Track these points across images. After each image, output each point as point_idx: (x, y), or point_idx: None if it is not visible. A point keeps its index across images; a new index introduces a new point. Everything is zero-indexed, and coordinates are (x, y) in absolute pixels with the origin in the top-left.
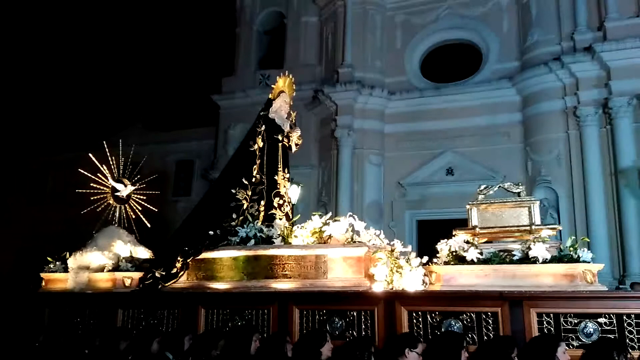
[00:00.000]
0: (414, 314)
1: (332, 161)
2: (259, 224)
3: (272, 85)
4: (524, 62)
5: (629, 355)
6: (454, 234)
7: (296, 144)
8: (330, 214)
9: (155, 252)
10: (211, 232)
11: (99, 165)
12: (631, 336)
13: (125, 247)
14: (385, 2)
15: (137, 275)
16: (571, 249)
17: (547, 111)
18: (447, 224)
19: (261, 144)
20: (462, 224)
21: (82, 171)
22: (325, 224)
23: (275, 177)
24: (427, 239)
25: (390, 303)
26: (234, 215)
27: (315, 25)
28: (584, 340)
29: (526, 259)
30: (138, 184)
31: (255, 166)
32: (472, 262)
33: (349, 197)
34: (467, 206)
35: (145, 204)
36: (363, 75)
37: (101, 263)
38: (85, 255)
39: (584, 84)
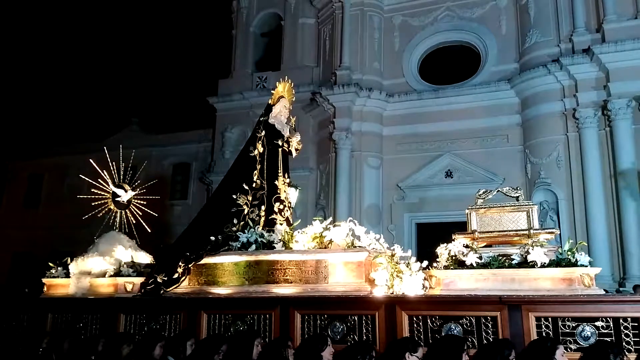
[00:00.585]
0: (415, 318)
1: (330, 164)
2: (260, 229)
3: (272, 90)
4: (523, 64)
5: (625, 358)
6: (453, 238)
7: (296, 149)
8: (330, 218)
9: (155, 257)
10: (212, 238)
11: (100, 171)
12: (627, 339)
13: (127, 252)
14: (383, 3)
15: (138, 280)
16: (569, 253)
17: (546, 113)
18: (446, 227)
19: (261, 150)
20: (461, 226)
21: (83, 177)
22: (326, 229)
23: (276, 182)
24: (426, 241)
25: (390, 307)
26: (235, 221)
27: (312, 27)
28: (581, 343)
29: (525, 263)
30: (138, 189)
31: (255, 171)
32: (471, 267)
33: (347, 200)
34: (466, 210)
35: (146, 209)
36: (361, 77)
37: (102, 268)
38: (87, 260)
39: (582, 85)
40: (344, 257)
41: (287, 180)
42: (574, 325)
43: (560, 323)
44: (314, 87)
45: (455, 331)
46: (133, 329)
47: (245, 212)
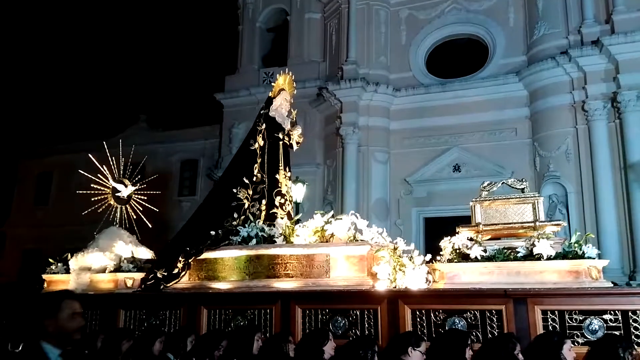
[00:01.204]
0: (418, 313)
1: (338, 159)
2: (261, 223)
3: (273, 84)
4: (531, 56)
5: (634, 352)
6: (457, 231)
7: (297, 142)
8: (332, 212)
9: (158, 253)
10: (213, 232)
11: (100, 166)
12: (637, 332)
13: (127, 247)
14: None
15: (138, 275)
16: (576, 245)
17: (555, 106)
18: (455, 221)
19: (262, 143)
20: (469, 221)
21: (82, 172)
22: (328, 222)
23: (277, 176)
24: (434, 236)
25: (393, 302)
26: (236, 215)
27: (318, 21)
28: (589, 337)
29: (530, 256)
30: (139, 184)
31: (256, 165)
32: (475, 260)
33: (354, 195)
34: (471, 203)
35: (147, 204)
36: (367, 71)
37: (103, 264)
38: (87, 256)
39: (592, 77)
40: (346, 250)
41: (288, 174)
42: (581, 318)
43: (567, 316)
44: (320, 82)
45: (459, 325)
46: (133, 324)
47: (246, 206)
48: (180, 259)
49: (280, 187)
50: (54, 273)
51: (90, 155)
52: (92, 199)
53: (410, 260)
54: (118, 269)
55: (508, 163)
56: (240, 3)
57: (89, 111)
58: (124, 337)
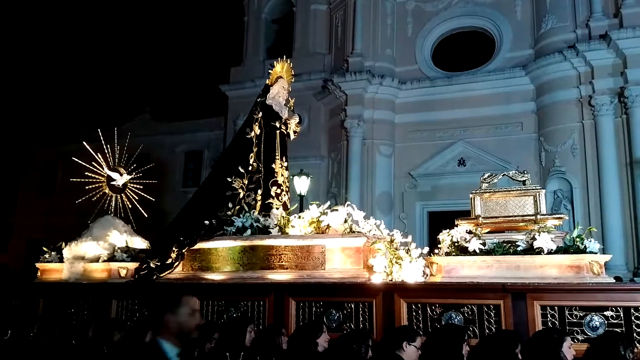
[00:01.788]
0: (414, 306)
1: (342, 152)
2: (256, 213)
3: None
4: (538, 50)
5: (636, 350)
6: (456, 224)
7: (295, 132)
8: (328, 203)
9: (152, 242)
10: (207, 222)
11: (94, 154)
12: (639, 330)
13: (121, 237)
14: None
15: (132, 265)
16: (577, 239)
17: (562, 100)
18: (458, 216)
19: (258, 132)
20: None
21: (77, 161)
22: (323, 213)
23: (273, 166)
24: (438, 230)
25: (389, 295)
26: (230, 205)
27: (324, 13)
28: (589, 334)
29: (531, 250)
30: (134, 173)
31: (252, 154)
32: (474, 253)
33: (359, 188)
34: (470, 195)
35: (143, 194)
36: (373, 64)
37: (96, 253)
38: (81, 245)
39: (599, 72)
40: (342, 242)
41: (285, 164)
42: (581, 314)
43: (567, 312)
44: (325, 74)
45: (456, 320)
46: (125, 314)
47: (241, 195)
48: (173, 249)
49: (277, 177)
50: (48, 262)
51: (85, 143)
52: (87, 187)
53: (407, 253)
54: (112, 258)
55: (513, 157)
56: None
57: (95, 102)
58: (115, 328)
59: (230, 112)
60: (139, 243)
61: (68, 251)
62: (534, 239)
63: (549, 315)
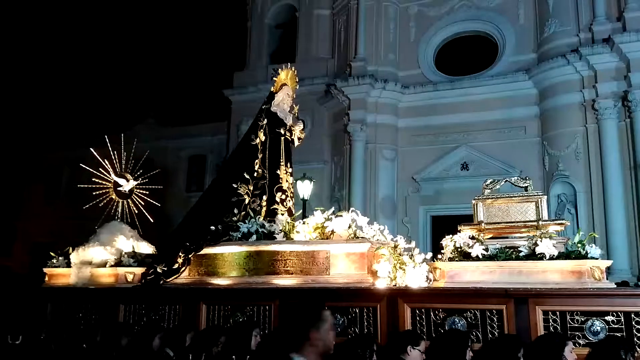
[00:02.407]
0: (417, 311)
1: (345, 156)
2: (261, 219)
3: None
4: (541, 54)
5: (636, 354)
6: (459, 229)
7: (299, 138)
8: (333, 209)
9: (158, 247)
10: (213, 228)
11: (101, 161)
12: (639, 334)
13: (128, 242)
14: None
15: (139, 270)
16: (579, 244)
17: (565, 104)
18: (462, 220)
19: (263, 138)
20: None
21: (84, 166)
22: (328, 219)
23: (278, 172)
24: (441, 234)
25: (393, 300)
26: (236, 211)
27: (327, 18)
28: (590, 338)
29: (533, 255)
30: (140, 179)
31: (257, 160)
32: (477, 259)
33: (362, 193)
34: (473, 201)
35: (149, 199)
36: (376, 68)
37: (104, 258)
38: (88, 250)
39: (602, 76)
40: (346, 248)
41: (290, 170)
42: (583, 319)
43: (568, 317)
44: (328, 79)
45: (459, 325)
46: (132, 319)
47: (246, 201)
48: (180, 254)
49: (281, 183)
50: (56, 267)
51: (92, 149)
52: (94, 193)
53: (410, 258)
54: (119, 263)
55: (517, 162)
56: None
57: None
58: (123, 332)
59: (233, 117)
60: (145, 248)
61: (75, 256)
62: (536, 244)
63: (550, 320)
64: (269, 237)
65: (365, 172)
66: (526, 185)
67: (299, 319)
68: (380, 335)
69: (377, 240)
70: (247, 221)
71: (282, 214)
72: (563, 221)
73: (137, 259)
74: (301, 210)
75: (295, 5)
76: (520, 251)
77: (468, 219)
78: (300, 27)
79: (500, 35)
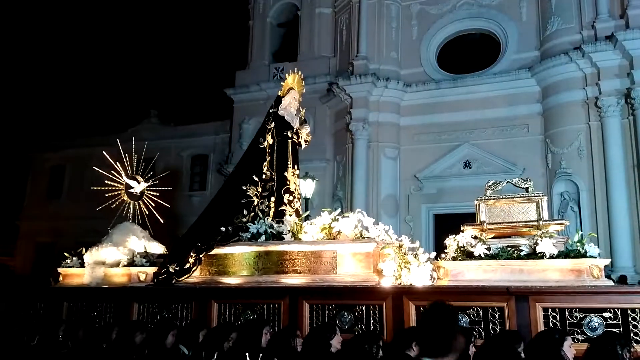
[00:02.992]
0: (422, 309)
1: (347, 155)
2: (270, 220)
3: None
4: (544, 51)
5: (633, 349)
6: (462, 229)
7: (305, 141)
8: (339, 209)
9: (169, 247)
10: (223, 229)
11: (113, 163)
12: (636, 330)
13: (140, 242)
14: None
15: (151, 270)
16: (578, 244)
17: (568, 102)
18: (465, 218)
19: (271, 141)
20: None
21: (97, 169)
22: (335, 220)
23: (285, 174)
24: (444, 233)
25: (398, 298)
26: (245, 212)
27: (329, 16)
28: (589, 334)
29: (533, 255)
30: (151, 181)
31: (265, 163)
32: (479, 258)
33: (364, 191)
34: (475, 202)
35: (159, 200)
36: (378, 67)
37: (116, 258)
38: (101, 250)
39: (605, 73)
40: (353, 248)
41: (297, 172)
42: (581, 316)
43: (567, 314)
44: (330, 77)
45: (463, 322)
46: (146, 317)
47: (255, 203)
48: (191, 254)
49: (289, 185)
50: (69, 267)
51: (104, 152)
52: (106, 195)
53: (415, 257)
54: (131, 263)
55: (519, 160)
56: None
57: (102, 106)
58: (137, 330)
59: (235, 116)
60: (156, 248)
61: (89, 256)
62: (536, 244)
63: (550, 317)
64: (278, 237)
65: (367, 171)
66: (527, 186)
67: (445, 323)
68: (386, 332)
69: (382, 240)
70: (256, 222)
71: (290, 215)
72: (563, 221)
73: (149, 259)
74: (303, 207)
75: (297, 3)
76: (522, 250)
77: (470, 217)
78: (302, 25)
79: (502, 33)
